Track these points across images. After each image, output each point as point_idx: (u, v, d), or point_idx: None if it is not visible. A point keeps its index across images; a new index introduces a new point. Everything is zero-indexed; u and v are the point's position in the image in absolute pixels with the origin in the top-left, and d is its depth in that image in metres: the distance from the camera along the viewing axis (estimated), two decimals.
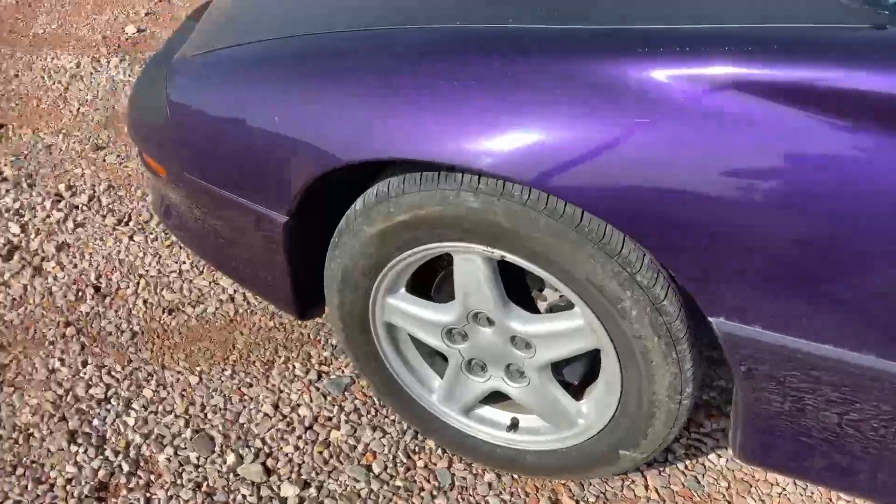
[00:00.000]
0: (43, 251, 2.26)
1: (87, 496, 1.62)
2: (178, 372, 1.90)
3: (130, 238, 2.31)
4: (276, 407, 1.81)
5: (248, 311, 2.07)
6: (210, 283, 2.15)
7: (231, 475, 1.67)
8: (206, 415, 1.80)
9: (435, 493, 1.64)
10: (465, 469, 1.68)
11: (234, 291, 2.12)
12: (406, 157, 1.27)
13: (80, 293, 2.12)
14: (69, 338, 1.98)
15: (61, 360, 1.92)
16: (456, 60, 1.25)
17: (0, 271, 2.18)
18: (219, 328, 2.02)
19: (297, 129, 1.37)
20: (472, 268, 1.37)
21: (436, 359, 1.64)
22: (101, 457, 1.70)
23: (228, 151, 1.50)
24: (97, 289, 2.14)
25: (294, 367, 1.91)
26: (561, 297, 1.44)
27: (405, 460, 1.70)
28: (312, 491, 1.64)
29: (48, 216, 2.39)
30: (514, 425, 1.58)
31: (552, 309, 1.44)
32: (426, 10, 1.41)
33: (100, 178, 2.57)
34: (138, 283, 2.15)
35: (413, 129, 1.26)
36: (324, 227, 1.55)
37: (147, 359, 1.93)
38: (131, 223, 2.37)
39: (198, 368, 1.91)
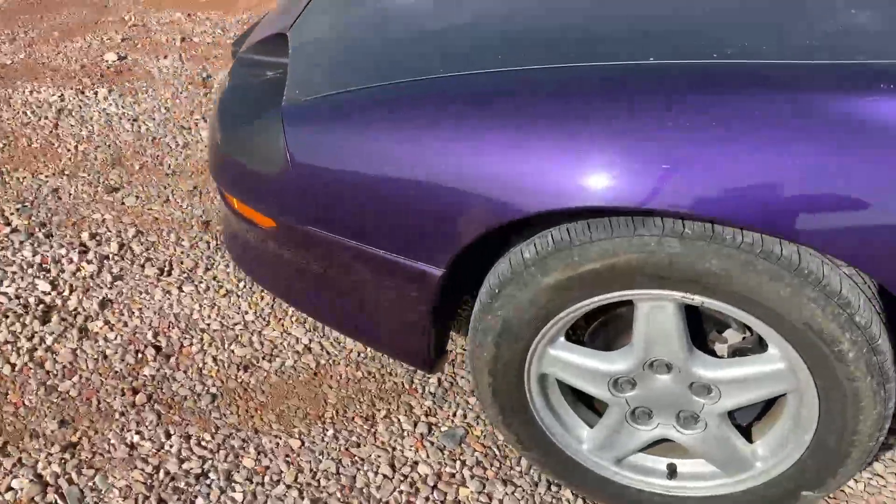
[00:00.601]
0: (84, 309, 2.05)
1: None
2: (275, 436, 1.74)
3: (180, 289, 2.12)
4: (392, 467, 1.69)
5: (330, 361, 1.93)
6: (281, 333, 2.00)
7: None
8: (318, 482, 1.65)
9: None
10: None
11: (310, 341, 1.98)
12: (607, 204, 1.18)
13: (139, 355, 1.93)
14: (140, 406, 1.80)
15: (139, 432, 1.74)
16: (665, 98, 1.17)
17: (40, 335, 1.96)
18: (304, 383, 1.88)
19: (469, 180, 1.26)
20: (661, 315, 1.29)
21: (580, 406, 1.55)
22: None
23: (372, 204, 1.37)
24: (158, 348, 1.95)
25: (399, 420, 1.78)
26: (744, 339, 1.38)
27: None
28: None
29: (78, 269, 2.17)
30: (672, 472, 1.51)
31: (735, 352, 1.38)
32: (602, 46, 1.32)
33: (124, 224, 2.36)
34: (202, 339, 1.98)
35: (611, 174, 1.18)
36: (468, 278, 1.45)
37: (236, 424, 1.77)
38: (175, 272, 2.18)
39: (295, 430, 1.76)
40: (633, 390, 1.41)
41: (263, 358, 1.94)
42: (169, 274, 2.18)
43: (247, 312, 2.06)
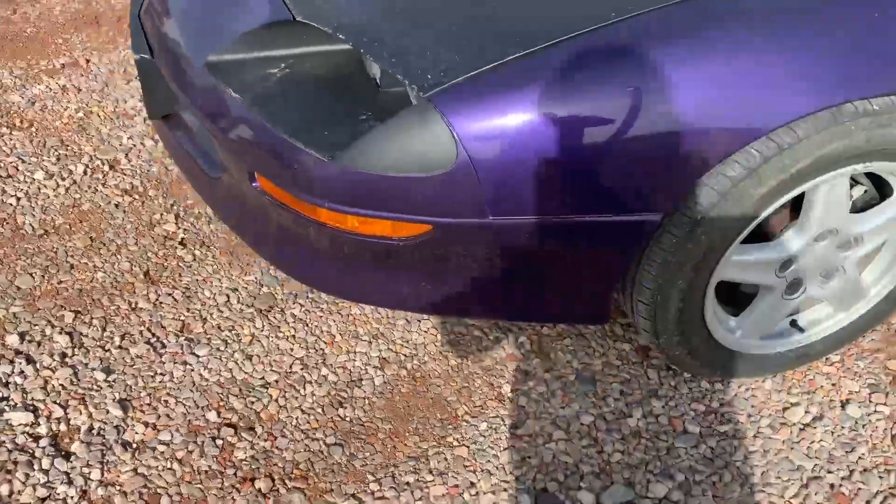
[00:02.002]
0: (102, 422, 1.61)
1: None
2: (434, 452, 1.60)
3: (194, 355, 1.76)
4: (562, 428, 1.66)
5: (416, 362, 1.78)
6: (346, 354, 1.78)
7: None
8: (513, 473, 1.57)
9: None
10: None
11: (380, 352, 1.79)
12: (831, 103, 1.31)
13: (217, 441, 1.60)
14: (271, 493, 1.52)
15: None
16: None
17: (72, 474, 1.51)
18: (411, 393, 1.72)
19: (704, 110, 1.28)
20: (838, 189, 1.46)
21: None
22: None
23: (580, 169, 1.31)
24: (233, 426, 1.63)
25: (528, 387, 1.74)
26: (865, 191, 1.60)
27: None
28: None
29: (46, 382, 1.67)
30: (798, 327, 1.73)
31: (864, 206, 1.60)
32: None
33: (50, 313, 1.84)
34: (272, 395, 1.69)
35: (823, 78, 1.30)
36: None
37: (385, 462, 1.58)
38: (169, 341, 1.79)
39: (446, 439, 1.63)
40: (793, 265, 1.58)
41: (349, 386, 1.73)
42: (163, 346, 1.79)
43: (292, 349, 1.80)
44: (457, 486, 1.57)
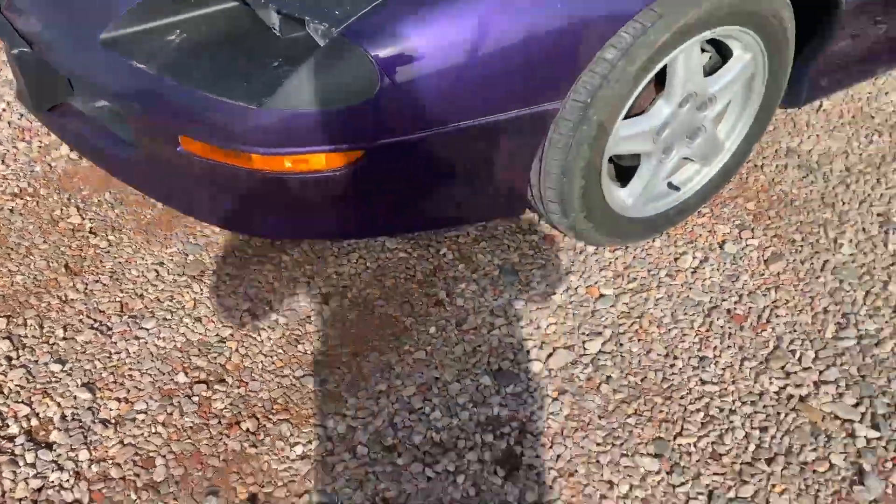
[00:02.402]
0: (67, 408, 1.63)
1: None
2: (404, 350, 1.75)
3: (144, 330, 1.80)
4: (512, 319, 1.86)
5: (350, 288, 1.91)
6: (286, 292, 1.88)
7: None
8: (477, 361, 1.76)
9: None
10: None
11: (319, 289, 1.91)
12: None
13: (193, 398, 1.66)
14: (260, 430, 1.62)
15: (297, 448, 1.59)
16: None
17: (50, 467, 1.54)
18: (364, 305, 1.85)
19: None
20: (693, 55, 1.71)
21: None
22: None
23: (488, 70, 1.47)
24: (205, 382, 1.70)
25: (461, 288, 1.92)
26: (710, 58, 1.87)
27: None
28: None
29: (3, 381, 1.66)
30: (674, 187, 2.00)
31: (712, 70, 1.86)
32: None
33: None
34: (231, 348, 1.77)
35: None
36: None
37: (380, 392, 1.72)
38: (114, 321, 1.81)
39: (415, 332, 1.78)
40: (666, 131, 1.83)
41: (301, 324, 1.84)
42: (109, 328, 1.81)
43: (237, 304, 1.87)
44: (424, 383, 1.73)
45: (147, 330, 1.82)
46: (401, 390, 1.72)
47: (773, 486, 1.57)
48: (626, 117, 1.75)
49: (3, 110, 2.42)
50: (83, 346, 1.78)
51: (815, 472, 1.59)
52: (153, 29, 1.63)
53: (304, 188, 1.59)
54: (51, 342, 1.78)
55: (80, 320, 1.83)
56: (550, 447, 1.63)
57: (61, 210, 2.10)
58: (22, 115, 2.39)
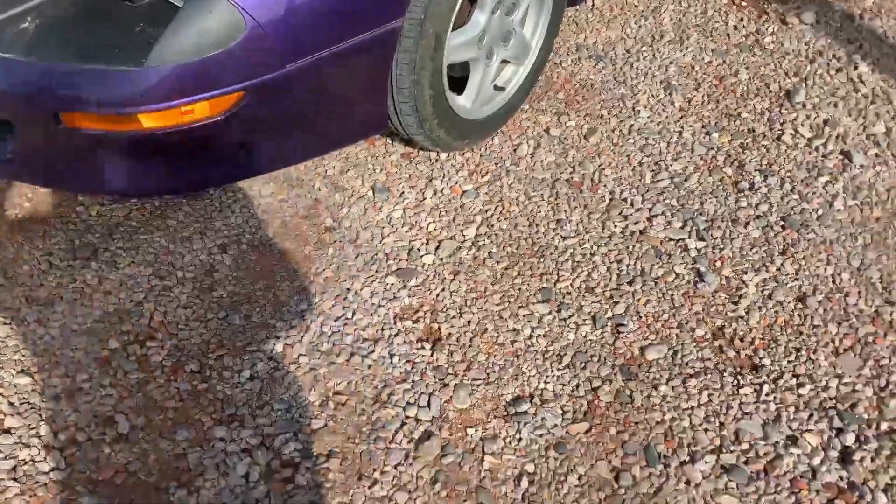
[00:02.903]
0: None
1: None
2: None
3: (92, 285, 1.85)
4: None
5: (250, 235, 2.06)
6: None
7: None
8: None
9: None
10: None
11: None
12: None
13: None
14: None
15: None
16: None
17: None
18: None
19: None
20: None
21: None
22: None
23: (338, 1, 1.68)
24: (138, 343, 1.79)
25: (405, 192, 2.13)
26: None
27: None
28: None
29: None
30: (500, 88, 2.31)
31: None
32: None
33: None
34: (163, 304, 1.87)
35: None
36: None
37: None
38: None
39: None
40: (486, 37, 2.12)
41: (208, 275, 1.97)
42: (20, 321, 1.84)
43: (139, 270, 1.96)
44: (339, 294, 1.94)
45: (61, 312, 1.87)
46: (320, 305, 1.91)
47: (639, 300, 1.95)
48: (452, 29, 2.02)
49: None
50: (4, 342, 1.81)
51: (665, 282, 1.98)
52: (5, 20, 1.68)
53: (193, 138, 1.72)
54: None
55: None
56: (461, 316, 1.90)
57: None
58: None
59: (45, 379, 1.74)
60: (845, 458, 1.64)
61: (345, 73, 1.82)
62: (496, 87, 2.31)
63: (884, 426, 1.69)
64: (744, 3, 2.86)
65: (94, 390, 1.73)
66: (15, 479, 1.56)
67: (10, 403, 1.69)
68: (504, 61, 2.28)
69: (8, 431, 1.64)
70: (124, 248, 2.03)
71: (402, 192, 2.20)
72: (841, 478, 1.62)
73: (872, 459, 1.64)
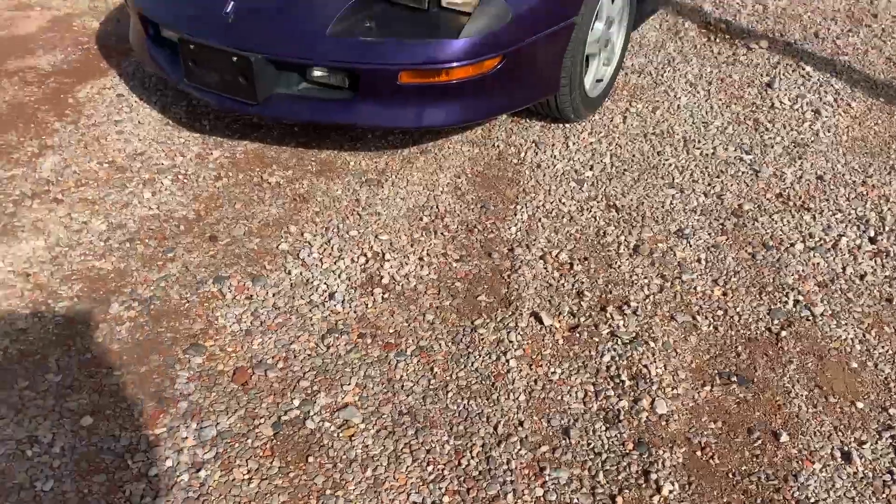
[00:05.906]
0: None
1: None
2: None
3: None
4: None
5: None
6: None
7: None
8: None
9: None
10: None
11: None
12: None
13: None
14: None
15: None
16: None
17: None
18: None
19: None
20: None
21: None
22: None
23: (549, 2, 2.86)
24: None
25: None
26: None
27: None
28: None
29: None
30: (600, 80, 3.51)
31: None
32: None
33: None
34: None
35: None
36: None
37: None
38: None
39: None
40: (601, 40, 3.34)
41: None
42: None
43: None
44: (543, 190, 3.01)
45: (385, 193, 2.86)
46: (531, 195, 2.97)
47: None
48: None
49: None
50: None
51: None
52: (356, 21, 2.75)
53: (477, 84, 2.81)
54: None
55: None
56: (625, 196, 3.01)
57: None
58: None
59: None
60: None
61: (545, 48, 2.98)
62: (597, 81, 3.52)
63: None
64: (717, 40, 4.25)
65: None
66: None
67: None
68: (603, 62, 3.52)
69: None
70: (395, 180, 3.05)
71: (553, 145, 3.33)
72: None
73: None
